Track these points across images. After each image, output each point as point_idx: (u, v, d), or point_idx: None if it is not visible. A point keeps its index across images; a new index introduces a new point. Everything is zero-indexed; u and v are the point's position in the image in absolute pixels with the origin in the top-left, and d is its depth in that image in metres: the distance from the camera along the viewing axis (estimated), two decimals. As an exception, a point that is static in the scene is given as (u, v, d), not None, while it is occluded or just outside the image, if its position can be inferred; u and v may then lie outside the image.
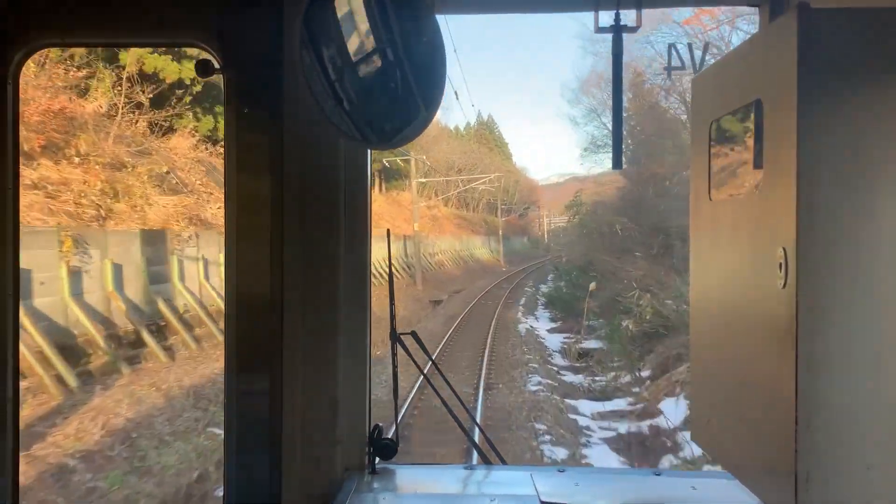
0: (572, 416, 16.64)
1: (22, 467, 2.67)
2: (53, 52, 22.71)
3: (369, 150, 2.83)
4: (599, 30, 2.73)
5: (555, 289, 45.71)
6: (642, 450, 14.09)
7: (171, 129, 30.15)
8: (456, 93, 57.87)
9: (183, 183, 27.11)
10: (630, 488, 2.70)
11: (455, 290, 49.05)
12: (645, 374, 20.61)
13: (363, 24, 2.17)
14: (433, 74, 2.11)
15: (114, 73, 27.08)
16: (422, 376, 3.25)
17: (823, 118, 1.92)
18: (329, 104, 2.19)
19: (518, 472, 2.81)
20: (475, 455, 3.37)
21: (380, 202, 58.15)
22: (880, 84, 1.96)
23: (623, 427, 15.68)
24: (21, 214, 2.63)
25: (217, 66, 2.56)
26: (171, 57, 27.74)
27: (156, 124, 28.97)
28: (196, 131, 31.04)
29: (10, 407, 2.57)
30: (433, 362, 3.26)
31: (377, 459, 2.78)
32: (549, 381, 20.30)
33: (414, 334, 2.98)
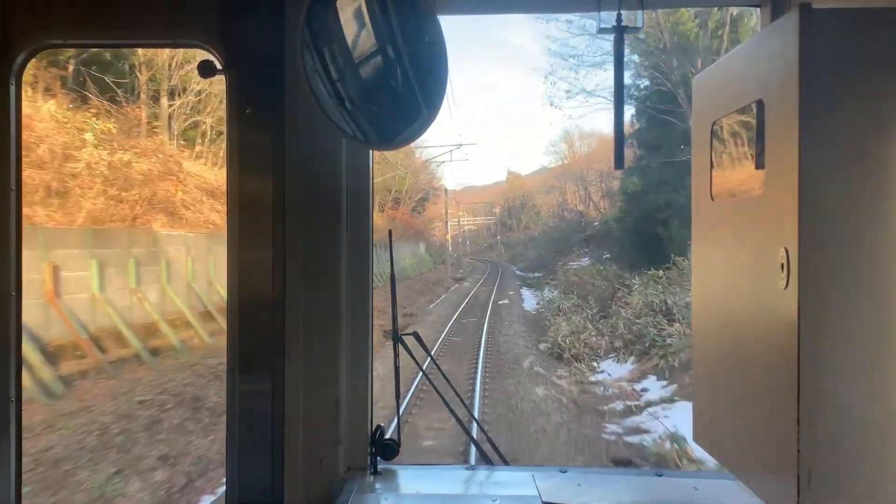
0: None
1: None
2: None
3: (371, 151, 2.83)
4: (601, 30, 2.73)
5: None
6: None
7: None
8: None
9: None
10: (632, 489, 2.70)
11: None
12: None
13: (365, 25, 2.18)
14: (434, 74, 2.11)
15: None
16: (416, 379, 3.23)
17: (825, 118, 1.92)
18: (331, 104, 2.20)
19: (520, 473, 2.81)
20: (473, 454, 3.37)
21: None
22: (882, 83, 1.96)
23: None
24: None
25: (219, 66, 2.56)
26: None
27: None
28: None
29: (13, 407, 2.58)
30: (434, 363, 3.26)
31: (379, 460, 2.78)
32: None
33: (416, 335, 2.98)
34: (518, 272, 70.74)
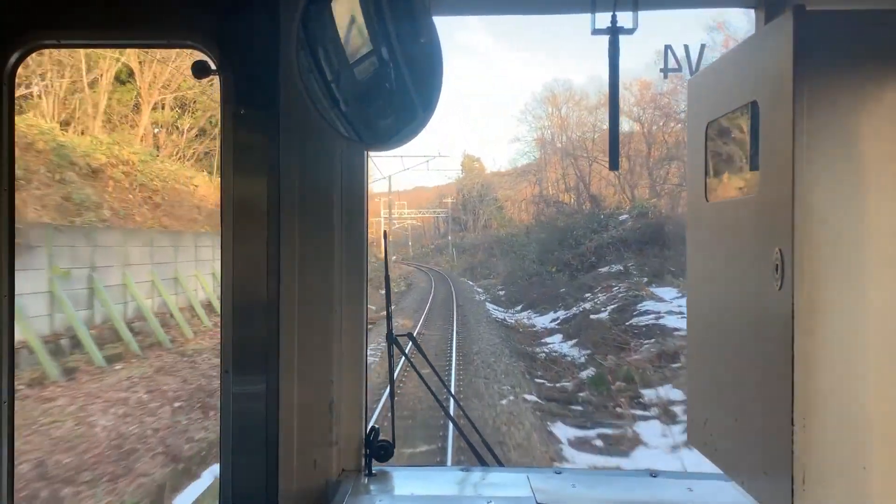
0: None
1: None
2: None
3: (366, 152, 2.83)
4: (596, 31, 2.73)
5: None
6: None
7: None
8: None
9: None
10: (626, 490, 2.70)
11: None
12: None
13: (360, 26, 2.17)
14: (430, 75, 2.11)
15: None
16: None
17: (819, 119, 1.93)
18: (326, 105, 2.19)
19: (514, 474, 2.80)
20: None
21: None
22: (875, 85, 1.97)
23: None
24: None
25: (214, 67, 2.55)
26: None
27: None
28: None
29: (5, 409, 2.56)
30: (430, 364, 3.26)
31: (373, 461, 2.78)
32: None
33: (411, 336, 2.98)
34: (495, 308, 34.32)
